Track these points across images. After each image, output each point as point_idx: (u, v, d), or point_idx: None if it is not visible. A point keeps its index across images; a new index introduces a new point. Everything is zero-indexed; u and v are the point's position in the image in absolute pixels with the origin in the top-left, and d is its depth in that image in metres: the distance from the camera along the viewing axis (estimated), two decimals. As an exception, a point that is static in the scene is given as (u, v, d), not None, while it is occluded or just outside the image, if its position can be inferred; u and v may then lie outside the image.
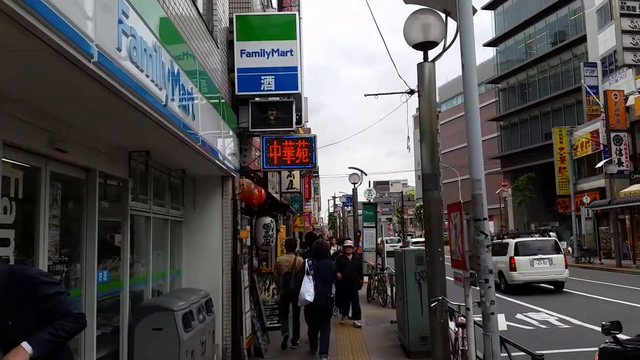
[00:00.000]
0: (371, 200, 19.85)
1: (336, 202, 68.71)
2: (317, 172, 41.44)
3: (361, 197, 27.95)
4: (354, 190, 25.26)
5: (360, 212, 29.19)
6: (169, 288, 7.39)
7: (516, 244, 17.59)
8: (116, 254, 5.75)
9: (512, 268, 16.98)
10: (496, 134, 61.94)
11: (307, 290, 8.23)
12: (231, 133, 8.39)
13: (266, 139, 8.86)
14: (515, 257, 17.03)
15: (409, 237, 57.85)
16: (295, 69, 8.47)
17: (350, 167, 25.44)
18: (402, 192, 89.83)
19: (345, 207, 41.66)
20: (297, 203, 20.03)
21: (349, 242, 12.25)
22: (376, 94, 8.47)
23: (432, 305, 6.25)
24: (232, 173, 8.40)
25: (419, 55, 7.09)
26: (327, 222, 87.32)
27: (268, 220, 11.47)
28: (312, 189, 36.96)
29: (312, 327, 8.90)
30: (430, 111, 7.14)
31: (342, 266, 11.29)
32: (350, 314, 11.88)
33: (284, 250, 16.74)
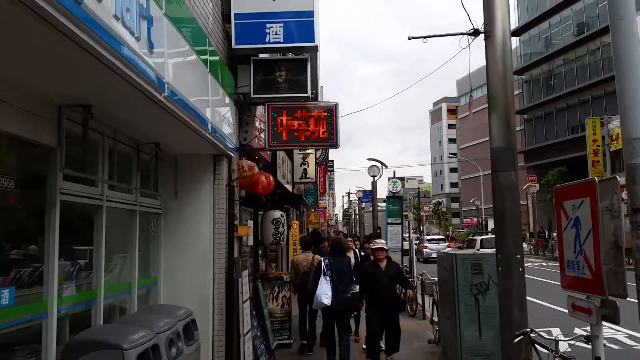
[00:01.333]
0: (396, 192, 17.72)
1: (351, 198, 66.66)
2: (332, 166, 39.35)
3: (381, 191, 25.92)
4: (374, 183, 23.21)
5: (381, 206, 27.15)
6: (136, 305, 5.37)
7: (481, 239, 27.39)
8: (36, 261, 3.75)
9: None
10: (520, 128, 59.55)
11: (325, 292, 7.30)
12: (227, 100, 6.38)
13: (273, 108, 6.79)
14: (480, 249, 23.87)
15: (425, 236, 55.15)
16: (310, 14, 6.41)
17: (369, 159, 23.29)
18: (418, 189, 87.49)
19: (362, 203, 39.49)
20: (311, 196, 17.89)
21: (381, 243, 8.00)
22: (425, 37, 6.32)
23: (516, 340, 4.16)
24: (228, 152, 6.38)
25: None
26: (341, 218, 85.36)
27: (278, 214, 9.43)
28: (327, 183, 34.90)
29: (329, 330, 7.90)
30: (504, 60, 5.08)
31: (372, 280, 7.53)
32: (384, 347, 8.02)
33: (296, 250, 14.87)
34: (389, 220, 14.54)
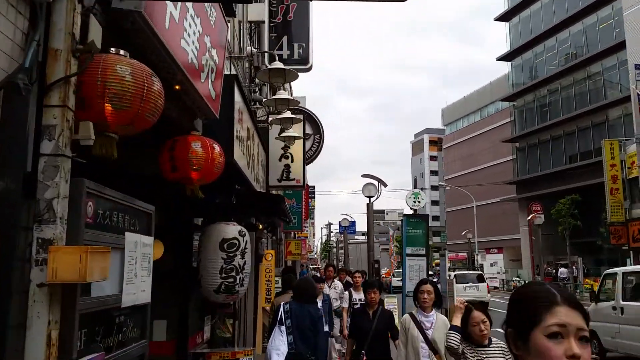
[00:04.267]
0: (418, 209, 12.98)
1: (332, 229, 61.84)
2: (314, 192, 34.58)
3: (360, 225, 21.19)
4: (369, 205, 18.53)
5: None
6: None
7: (455, 275, 25.83)
8: None
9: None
10: (511, 157, 55.94)
11: (276, 347, 5.38)
12: None
13: None
14: (454, 285, 24.01)
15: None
16: None
17: (364, 175, 18.71)
18: (402, 221, 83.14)
19: (348, 234, 34.59)
20: (295, 215, 12.92)
21: None
22: None
23: None
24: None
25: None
26: (319, 252, 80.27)
27: (234, 231, 4.69)
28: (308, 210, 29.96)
29: None
30: None
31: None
32: None
33: (270, 291, 10.41)
34: (409, 251, 9.77)
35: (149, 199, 3.15)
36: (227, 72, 4.82)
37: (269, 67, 4.74)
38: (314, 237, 54.23)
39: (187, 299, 4.68)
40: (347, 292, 9.76)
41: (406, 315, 5.16)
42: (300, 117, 7.09)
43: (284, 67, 4.68)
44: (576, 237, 36.65)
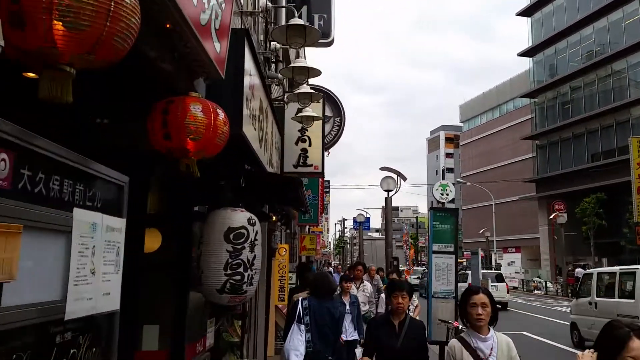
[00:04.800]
0: (446, 202, 12.07)
1: (345, 226, 61.13)
2: (329, 186, 33.70)
3: (374, 221, 20.42)
4: (388, 200, 17.70)
5: (372, 236, 21.56)
6: None
7: (472, 274, 25.20)
8: None
9: None
10: (531, 155, 54.76)
11: (295, 347, 5.08)
12: None
13: None
14: (471, 283, 23.23)
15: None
16: None
17: (382, 168, 17.88)
18: (416, 218, 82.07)
19: (363, 230, 33.73)
20: (311, 208, 12.05)
21: None
22: None
23: None
24: None
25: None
26: (333, 248, 79.50)
27: (242, 219, 3.92)
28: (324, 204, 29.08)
29: None
30: None
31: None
32: None
33: (284, 289, 9.67)
34: (435, 248, 8.93)
35: (139, 178, 2.37)
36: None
37: (288, 23, 3.97)
38: (327, 233, 53.53)
39: (185, 299, 3.91)
40: (382, 296, 9.02)
41: (454, 342, 3.66)
42: (320, 94, 6.31)
43: (304, 23, 3.91)
44: (598, 237, 35.53)
